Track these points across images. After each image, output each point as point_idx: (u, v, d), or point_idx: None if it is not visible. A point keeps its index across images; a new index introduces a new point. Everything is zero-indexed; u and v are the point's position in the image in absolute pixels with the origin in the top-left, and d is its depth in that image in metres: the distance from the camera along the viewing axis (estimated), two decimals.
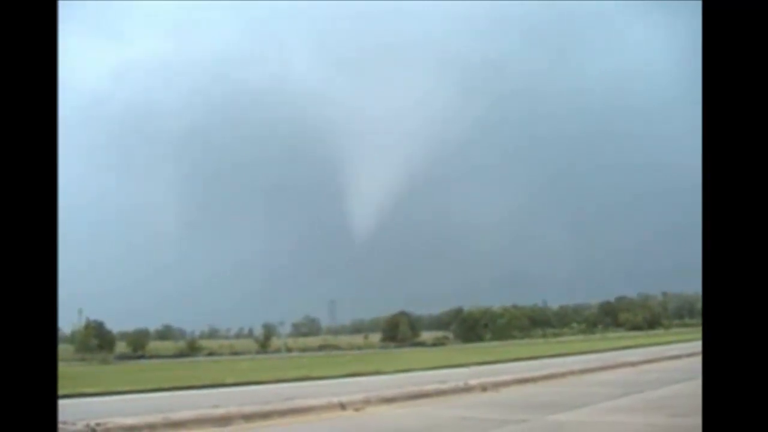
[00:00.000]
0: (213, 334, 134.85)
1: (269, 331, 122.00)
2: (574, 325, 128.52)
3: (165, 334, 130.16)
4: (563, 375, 22.74)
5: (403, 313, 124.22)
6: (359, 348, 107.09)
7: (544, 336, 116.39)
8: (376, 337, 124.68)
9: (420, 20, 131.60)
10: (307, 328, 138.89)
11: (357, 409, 14.64)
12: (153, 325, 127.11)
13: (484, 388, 18.56)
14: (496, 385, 19.03)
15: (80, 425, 11.17)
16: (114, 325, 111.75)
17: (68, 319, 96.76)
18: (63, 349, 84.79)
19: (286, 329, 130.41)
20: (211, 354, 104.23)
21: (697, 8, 3.80)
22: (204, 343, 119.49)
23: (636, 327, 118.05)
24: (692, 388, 14.91)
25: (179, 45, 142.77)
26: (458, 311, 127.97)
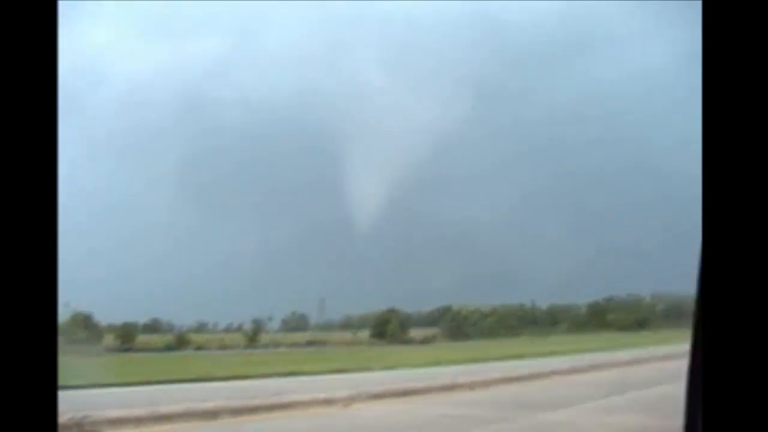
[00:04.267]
0: (201, 328, 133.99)
1: (258, 326, 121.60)
2: (563, 324, 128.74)
3: (153, 327, 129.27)
4: (551, 374, 22.82)
5: (392, 311, 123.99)
6: (348, 344, 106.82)
7: (532, 335, 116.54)
8: (364, 334, 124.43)
9: (444, 25, 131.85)
10: (296, 323, 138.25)
11: (344, 405, 14.66)
12: (141, 319, 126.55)
13: (471, 386, 18.61)
14: (484, 384, 19.09)
15: (66, 417, 11.15)
16: (102, 318, 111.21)
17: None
18: None
19: (275, 324, 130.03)
20: (199, 348, 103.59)
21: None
22: (192, 337, 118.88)
23: (625, 328, 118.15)
24: (678, 390, 14.96)
25: (237, 44, 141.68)
26: (447, 309, 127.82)
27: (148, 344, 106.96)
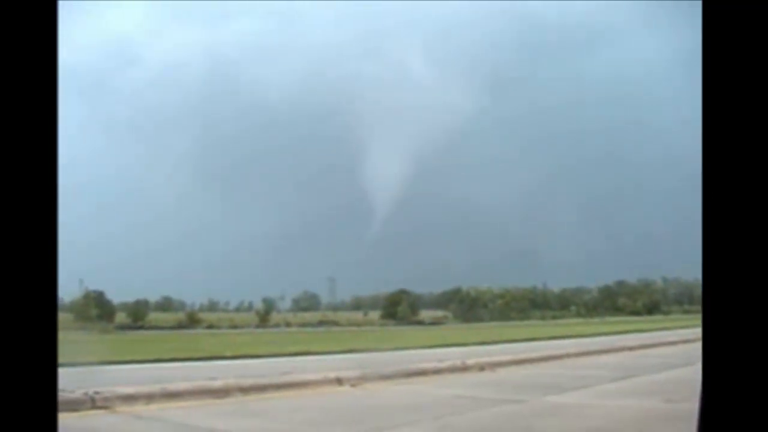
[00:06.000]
0: (213, 307, 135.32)
1: (269, 306, 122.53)
2: (573, 308, 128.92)
3: (165, 305, 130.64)
4: (561, 357, 22.80)
5: (403, 291, 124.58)
6: (358, 325, 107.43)
7: (543, 318, 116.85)
8: (375, 315, 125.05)
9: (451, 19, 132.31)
10: (307, 303, 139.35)
11: (353, 385, 14.69)
12: (153, 297, 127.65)
13: (481, 367, 18.62)
14: (494, 365, 19.09)
15: (79, 393, 11.21)
16: (114, 296, 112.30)
17: (69, 289, 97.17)
18: (63, 318, 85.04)
19: (286, 304, 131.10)
20: (210, 327, 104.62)
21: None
22: (203, 315, 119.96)
23: (635, 312, 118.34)
24: (689, 374, 14.91)
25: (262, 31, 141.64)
26: (458, 291, 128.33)
27: (159, 322, 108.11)
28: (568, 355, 23.31)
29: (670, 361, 20.66)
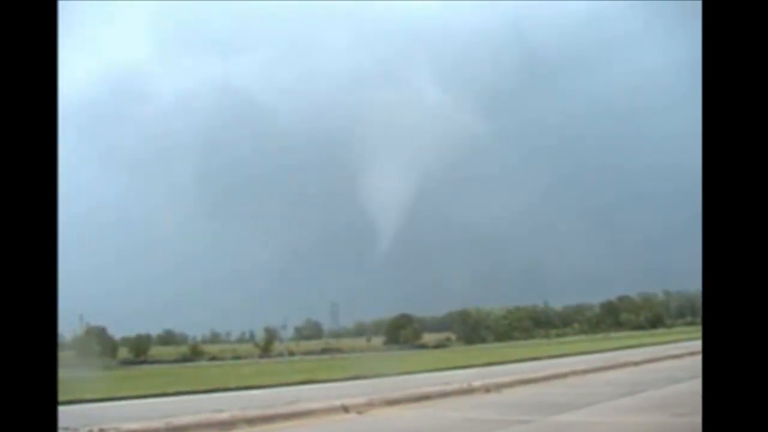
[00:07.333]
0: (215, 338, 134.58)
1: (271, 335, 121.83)
2: (576, 325, 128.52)
3: (167, 339, 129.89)
4: (566, 375, 22.73)
5: (405, 315, 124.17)
6: (362, 351, 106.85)
7: (546, 336, 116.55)
8: (378, 340, 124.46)
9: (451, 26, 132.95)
10: (309, 331, 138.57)
11: (360, 412, 14.63)
12: (155, 331, 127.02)
13: (487, 389, 18.55)
14: (499, 386, 19.02)
15: (83, 431, 11.17)
16: (116, 331, 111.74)
17: (70, 326, 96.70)
18: (65, 356, 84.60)
19: (288, 333, 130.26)
20: (213, 358, 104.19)
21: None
22: (206, 347, 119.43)
23: (638, 326, 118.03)
24: (695, 387, 14.85)
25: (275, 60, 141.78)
26: (460, 313, 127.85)
27: (161, 356, 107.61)
28: (573, 373, 23.24)
29: (676, 374, 20.56)
